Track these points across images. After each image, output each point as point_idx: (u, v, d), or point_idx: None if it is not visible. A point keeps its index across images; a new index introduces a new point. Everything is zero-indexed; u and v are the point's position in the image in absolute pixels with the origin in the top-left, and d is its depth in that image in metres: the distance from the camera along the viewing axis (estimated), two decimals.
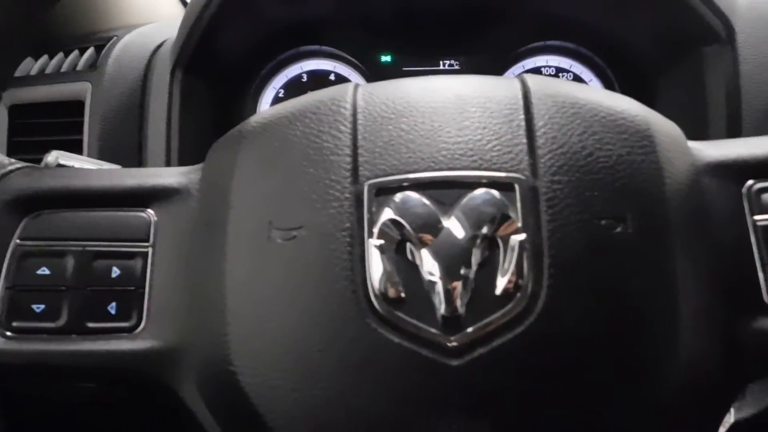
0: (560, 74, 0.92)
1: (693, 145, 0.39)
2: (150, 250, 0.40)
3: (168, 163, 0.78)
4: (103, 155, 0.80)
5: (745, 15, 0.72)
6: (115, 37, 0.87)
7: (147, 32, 0.89)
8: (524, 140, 0.35)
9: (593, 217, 0.34)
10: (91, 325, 0.38)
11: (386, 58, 0.94)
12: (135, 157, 0.79)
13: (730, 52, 0.72)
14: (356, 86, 0.40)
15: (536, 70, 0.93)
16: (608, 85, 0.91)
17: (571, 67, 0.92)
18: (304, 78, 0.96)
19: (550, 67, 0.93)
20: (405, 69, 0.94)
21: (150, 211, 0.41)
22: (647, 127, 0.37)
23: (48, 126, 0.86)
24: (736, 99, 0.72)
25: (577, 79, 0.92)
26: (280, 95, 0.96)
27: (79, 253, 0.39)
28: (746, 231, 0.37)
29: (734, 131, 0.72)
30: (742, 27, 0.72)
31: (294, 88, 0.96)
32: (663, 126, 0.38)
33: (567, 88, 0.38)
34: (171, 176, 0.42)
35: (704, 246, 0.36)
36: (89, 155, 0.81)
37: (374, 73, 0.94)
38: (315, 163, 0.36)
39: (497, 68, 0.93)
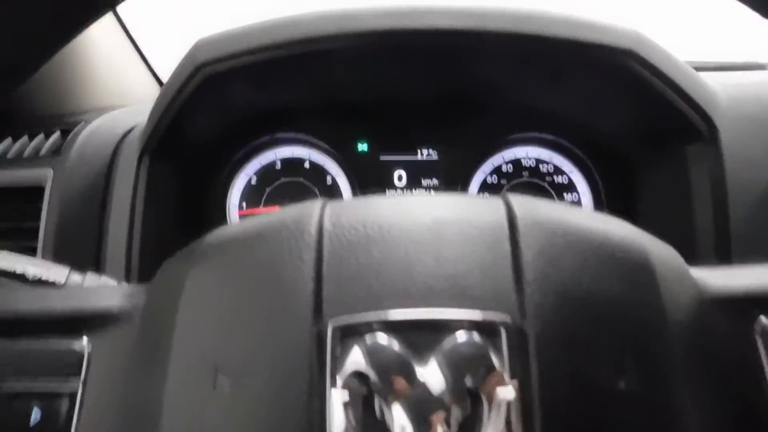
0: (540, 165, 0.90)
1: (696, 274, 0.35)
2: (80, 388, 0.34)
3: (128, 257, 0.73)
4: (60, 245, 0.75)
5: (727, 113, 0.70)
6: (83, 122, 0.83)
7: (117, 117, 0.85)
8: (510, 275, 0.31)
9: (590, 367, 0.29)
10: None
11: (363, 147, 0.91)
12: (93, 250, 0.73)
13: (714, 150, 0.69)
14: (323, 205, 0.35)
15: (516, 162, 0.90)
16: (589, 176, 0.88)
17: (551, 158, 0.90)
18: (278, 165, 0.92)
19: (530, 158, 0.90)
20: (382, 157, 0.91)
21: (84, 339, 0.35)
22: (646, 258, 0.33)
23: (6, 211, 0.80)
24: (722, 197, 0.69)
25: (558, 170, 0.89)
26: (253, 182, 0.92)
27: None
28: (763, 376, 0.32)
29: (721, 229, 0.69)
30: (725, 125, 0.69)
31: (267, 175, 0.92)
32: (663, 255, 0.34)
33: (557, 213, 0.34)
34: (111, 299, 0.37)
35: (716, 397, 0.31)
36: (45, 244, 0.75)
37: (350, 161, 0.91)
38: (272, 295, 0.31)
39: (477, 158, 0.90)
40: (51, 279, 0.47)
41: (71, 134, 0.80)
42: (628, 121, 0.78)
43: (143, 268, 0.73)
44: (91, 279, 0.47)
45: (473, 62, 0.70)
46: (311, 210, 0.34)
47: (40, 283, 0.46)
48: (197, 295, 0.33)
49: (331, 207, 0.35)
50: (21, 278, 0.47)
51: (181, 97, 0.71)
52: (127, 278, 0.72)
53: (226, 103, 0.78)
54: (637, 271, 0.32)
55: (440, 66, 0.72)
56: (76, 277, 0.47)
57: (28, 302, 0.36)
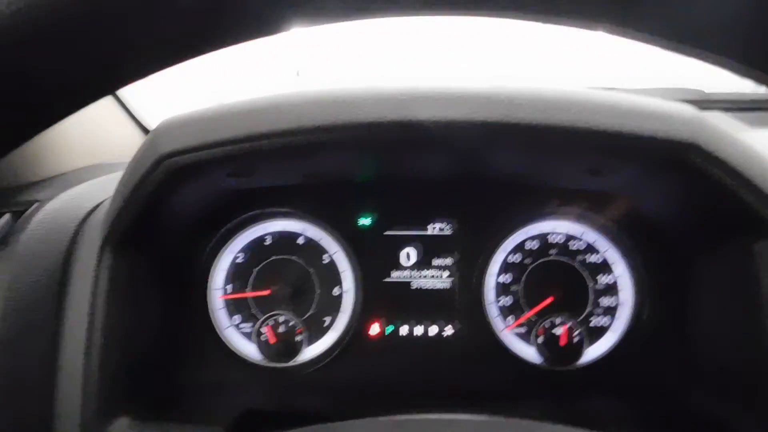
0: (570, 242, 0.75)
1: None
2: None
3: (86, 377, 0.59)
4: (6, 356, 0.62)
5: None
6: (36, 203, 0.69)
7: (77, 195, 0.70)
8: None
9: None
10: None
11: (365, 221, 0.77)
12: (44, 379, 0.60)
13: None
14: None
15: (542, 237, 0.76)
16: (628, 254, 0.74)
17: (582, 234, 0.75)
18: (268, 240, 0.78)
19: (558, 233, 0.76)
20: (387, 233, 0.77)
21: None
22: None
23: None
24: None
25: (591, 248, 0.75)
26: (239, 260, 0.78)
27: None
28: None
29: None
30: None
31: (256, 251, 0.77)
32: None
33: None
34: None
35: None
36: None
37: (351, 237, 0.76)
38: None
39: (498, 234, 0.76)
40: None
41: (20, 220, 0.67)
42: (681, 209, 0.63)
43: (104, 388, 0.60)
44: None
45: (497, 154, 0.56)
46: None
47: None
48: None
49: None
50: None
51: (143, 190, 0.57)
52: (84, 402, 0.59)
53: (198, 190, 0.64)
54: None
55: (456, 156, 0.58)
56: None
57: None
